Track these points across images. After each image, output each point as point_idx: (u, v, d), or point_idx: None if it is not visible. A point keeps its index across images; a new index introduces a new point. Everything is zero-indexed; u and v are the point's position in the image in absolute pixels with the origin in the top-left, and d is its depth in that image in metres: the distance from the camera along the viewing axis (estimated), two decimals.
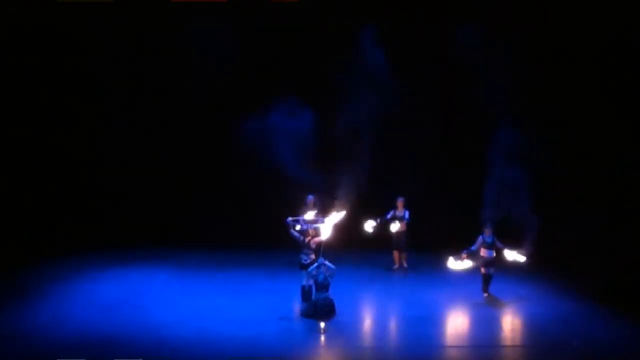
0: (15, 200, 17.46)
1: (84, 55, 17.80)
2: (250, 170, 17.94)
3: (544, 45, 17.28)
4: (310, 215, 14.00)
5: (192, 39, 17.61)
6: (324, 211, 14.54)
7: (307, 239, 13.53)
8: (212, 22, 17.43)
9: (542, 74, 17.26)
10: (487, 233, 14.23)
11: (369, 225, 15.92)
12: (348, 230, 15.91)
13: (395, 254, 16.43)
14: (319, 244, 13.35)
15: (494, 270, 14.27)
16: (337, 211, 13.99)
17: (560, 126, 17.63)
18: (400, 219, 16.18)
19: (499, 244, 14.22)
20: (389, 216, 16.19)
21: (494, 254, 14.23)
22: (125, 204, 18.35)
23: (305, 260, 13.41)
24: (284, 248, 15.80)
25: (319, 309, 12.50)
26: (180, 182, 18.58)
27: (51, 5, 16.83)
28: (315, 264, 12.77)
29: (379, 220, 15.99)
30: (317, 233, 13.69)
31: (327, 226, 13.57)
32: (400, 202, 16.24)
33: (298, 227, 13.59)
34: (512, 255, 14.15)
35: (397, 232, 16.20)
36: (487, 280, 14.33)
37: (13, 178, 17.48)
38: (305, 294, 13.37)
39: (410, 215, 16.21)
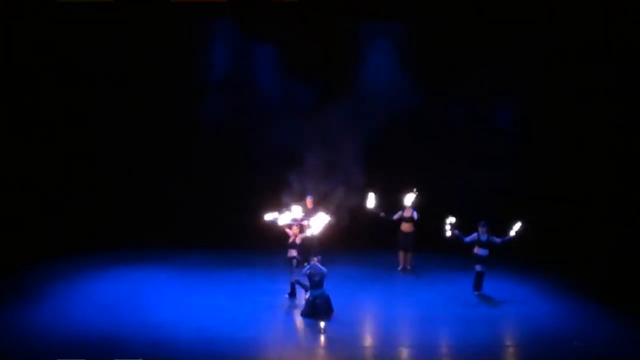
0: (16, 200, 17.44)
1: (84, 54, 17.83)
2: (248, 170, 18.05)
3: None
4: (296, 212, 14.04)
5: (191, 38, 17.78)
6: (314, 210, 14.68)
7: (291, 236, 13.76)
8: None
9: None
10: (482, 232, 14.21)
11: (371, 200, 15.52)
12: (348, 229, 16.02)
13: (401, 254, 16.28)
14: (305, 241, 13.58)
15: (485, 269, 14.24)
16: (327, 212, 14.14)
17: (559, 122, 17.72)
18: (408, 220, 16.12)
19: (496, 241, 14.17)
20: (395, 216, 16.10)
21: (488, 253, 14.21)
22: (126, 204, 18.37)
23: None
24: (283, 248, 15.81)
25: (317, 306, 12.58)
26: (180, 181, 18.63)
27: (51, 5, 16.85)
28: (309, 266, 12.91)
29: (383, 214, 15.78)
30: (300, 230, 13.83)
31: (314, 224, 13.72)
32: None
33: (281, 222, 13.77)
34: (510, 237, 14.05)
35: (405, 233, 16.11)
36: (479, 278, 14.31)
37: (13, 178, 17.47)
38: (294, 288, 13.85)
39: (418, 215, 16.09)
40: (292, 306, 13.64)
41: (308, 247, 14.66)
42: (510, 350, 11.99)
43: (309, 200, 15.53)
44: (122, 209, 18.26)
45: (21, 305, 13.21)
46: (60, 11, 17.04)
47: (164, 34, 17.81)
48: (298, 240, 13.89)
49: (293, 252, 13.93)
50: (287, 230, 13.98)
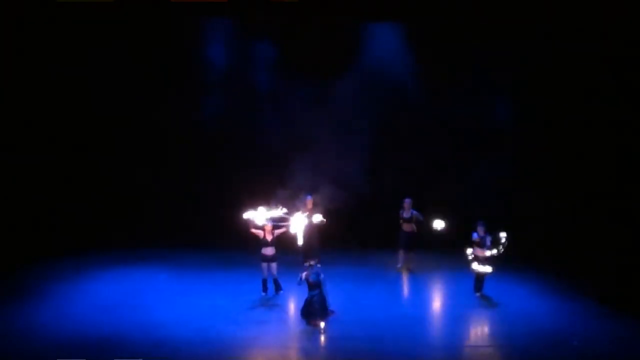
0: (16, 200, 17.45)
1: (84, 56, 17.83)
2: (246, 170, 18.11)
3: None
4: (276, 212, 14.05)
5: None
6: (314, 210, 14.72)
7: (264, 235, 13.81)
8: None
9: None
10: (481, 232, 14.19)
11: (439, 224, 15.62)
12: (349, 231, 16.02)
13: (401, 254, 16.29)
14: (282, 235, 13.81)
15: (486, 269, 14.24)
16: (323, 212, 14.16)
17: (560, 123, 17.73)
18: (408, 221, 16.13)
19: (488, 242, 14.15)
20: (401, 220, 16.15)
21: (488, 253, 14.19)
22: (126, 204, 18.37)
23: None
24: (283, 248, 15.82)
25: (314, 303, 12.63)
26: (181, 181, 18.63)
27: (51, 5, 16.85)
28: (306, 271, 12.95)
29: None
30: (274, 228, 13.87)
31: (295, 223, 13.74)
32: (407, 203, 16.13)
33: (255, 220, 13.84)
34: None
35: (406, 232, 16.12)
36: (480, 279, 14.30)
37: (13, 178, 17.47)
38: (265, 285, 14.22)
39: (418, 215, 16.06)
40: (292, 306, 13.63)
41: (307, 249, 14.66)
42: (510, 350, 11.98)
43: (308, 201, 15.54)
44: (121, 208, 18.26)
45: (21, 305, 13.22)
46: (60, 11, 17.03)
47: (164, 34, 17.81)
48: (271, 238, 13.97)
49: (272, 250, 13.95)
50: (255, 231, 13.94)
